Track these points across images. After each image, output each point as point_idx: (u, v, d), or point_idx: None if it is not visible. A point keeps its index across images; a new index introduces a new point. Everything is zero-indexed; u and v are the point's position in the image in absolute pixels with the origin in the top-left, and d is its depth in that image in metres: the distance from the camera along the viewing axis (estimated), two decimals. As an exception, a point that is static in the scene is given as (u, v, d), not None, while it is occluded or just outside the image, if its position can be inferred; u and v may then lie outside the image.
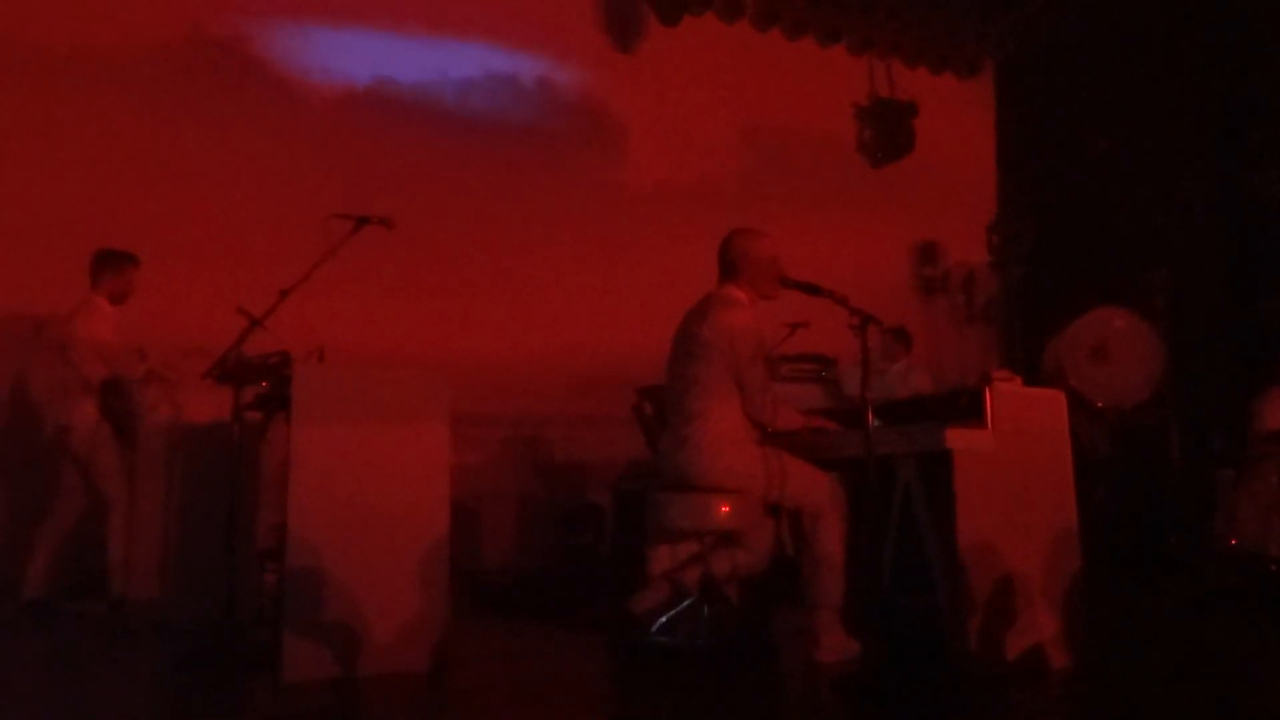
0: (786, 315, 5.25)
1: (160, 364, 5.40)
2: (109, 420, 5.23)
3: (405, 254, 6.37)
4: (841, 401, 5.16)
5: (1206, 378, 7.21)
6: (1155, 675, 3.76)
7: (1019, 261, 8.72)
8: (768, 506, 3.99)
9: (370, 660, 3.66)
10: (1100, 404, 6.61)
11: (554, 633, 4.82)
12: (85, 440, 5.20)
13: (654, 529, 4.14)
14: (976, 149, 9.47)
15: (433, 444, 3.89)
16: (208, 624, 4.20)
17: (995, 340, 9.24)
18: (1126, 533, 6.30)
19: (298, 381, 3.77)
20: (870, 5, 8.48)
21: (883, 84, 8.98)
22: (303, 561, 3.63)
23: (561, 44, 7.91)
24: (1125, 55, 8.28)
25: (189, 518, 5.02)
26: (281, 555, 3.77)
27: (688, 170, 8.09)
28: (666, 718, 3.37)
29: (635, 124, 8.13)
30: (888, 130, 8.74)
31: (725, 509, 3.84)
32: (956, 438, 3.60)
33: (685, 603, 4.02)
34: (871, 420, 3.65)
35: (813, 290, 3.88)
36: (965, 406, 3.77)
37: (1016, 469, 3.68)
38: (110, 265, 5.38)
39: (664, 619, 4.01)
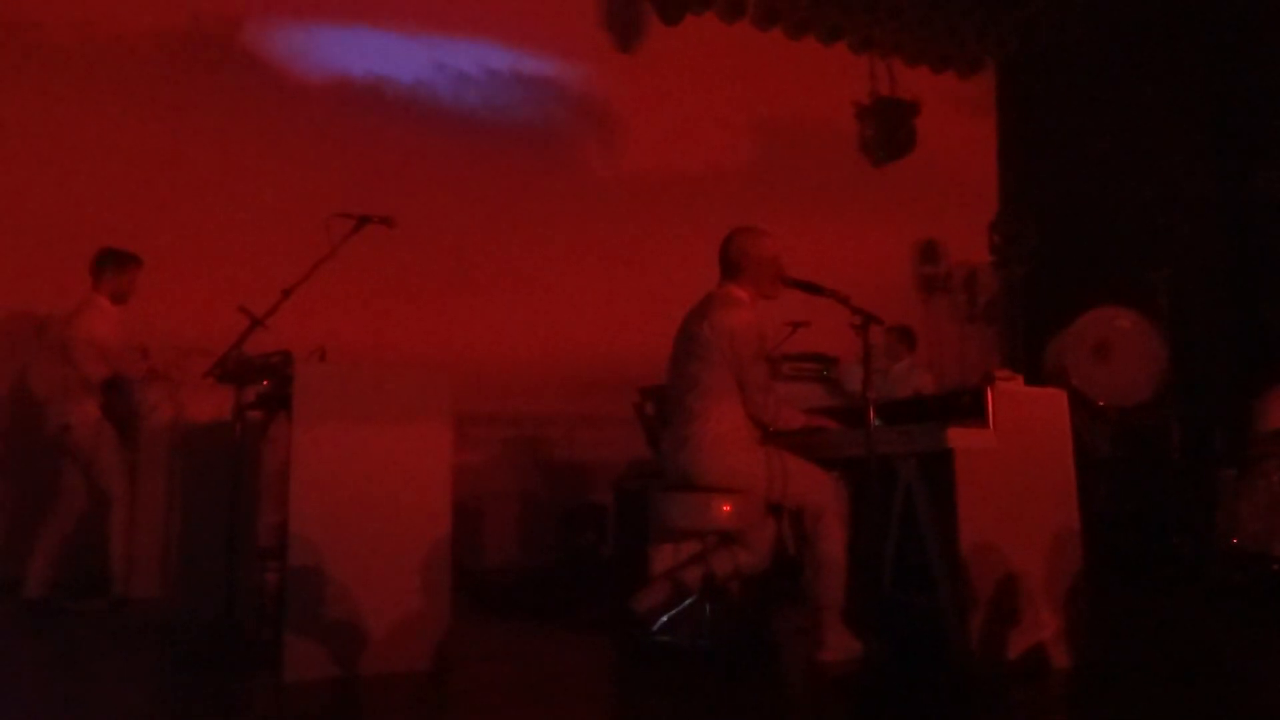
0: (788, 314, 5.25)
1: (162, 363, 5.41)
2: (110, 419, 5.23)
3: (407, 253, 6.40)
4: (843, 400, 5.16)
5: (1208, 377, 7.20)
6: (1157, 675, 3.76)
7: (1020, 261, 8.71)
8: (769, 506, 3.99)
9: (371, 660, 3.66)
10: (1102, 403, 6.61)
11: (556, 632, 4.81)
12: (87, 439, 5.20)
13: (656, 528, 4.14)
14: (978, 148, 9.47)
15: (435, 443, 3.89)
16: (209, 623, 4.20)
17: (997, 339, 9.24)
18: (1128, 532, 6.29)
19: (299, 381, 3.77)
20: (871, 4, 8.48)
21: (884, 83, 8.98)
22: (304, 561, 3.63)
23: (563, 43, 7.91)
24: (1127, 54, 8.28)
25: (190, 517, 5.03)
26: (283, 554, 3.77)
27: (689, 169, 8.09)
28: (668, 717, 3.37)
29: (637, 123, 8.13)
30: (889, 129, 8.74)
31: (727, 508, 3.84)
32: (958, 437, 3.60)
33: (687, 602, 4.02)
34: (873, 420, 3.65)
35: (814, 289, 3.88)
36: (967, 406, 3.77)
37: (1018, 468, 3.67)
38: (112, 264, 5.38)
39: (666, 618, 4.01)
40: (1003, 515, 3.63)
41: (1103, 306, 6.81)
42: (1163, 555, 6.06)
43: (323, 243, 4.14)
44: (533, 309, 7.31)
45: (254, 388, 4.23)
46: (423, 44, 7.49)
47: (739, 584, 4.20)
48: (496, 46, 7.72)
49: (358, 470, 3.73)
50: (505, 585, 6.17)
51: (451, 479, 3.92)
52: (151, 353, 5.45)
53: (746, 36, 8.32)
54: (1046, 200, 8.91)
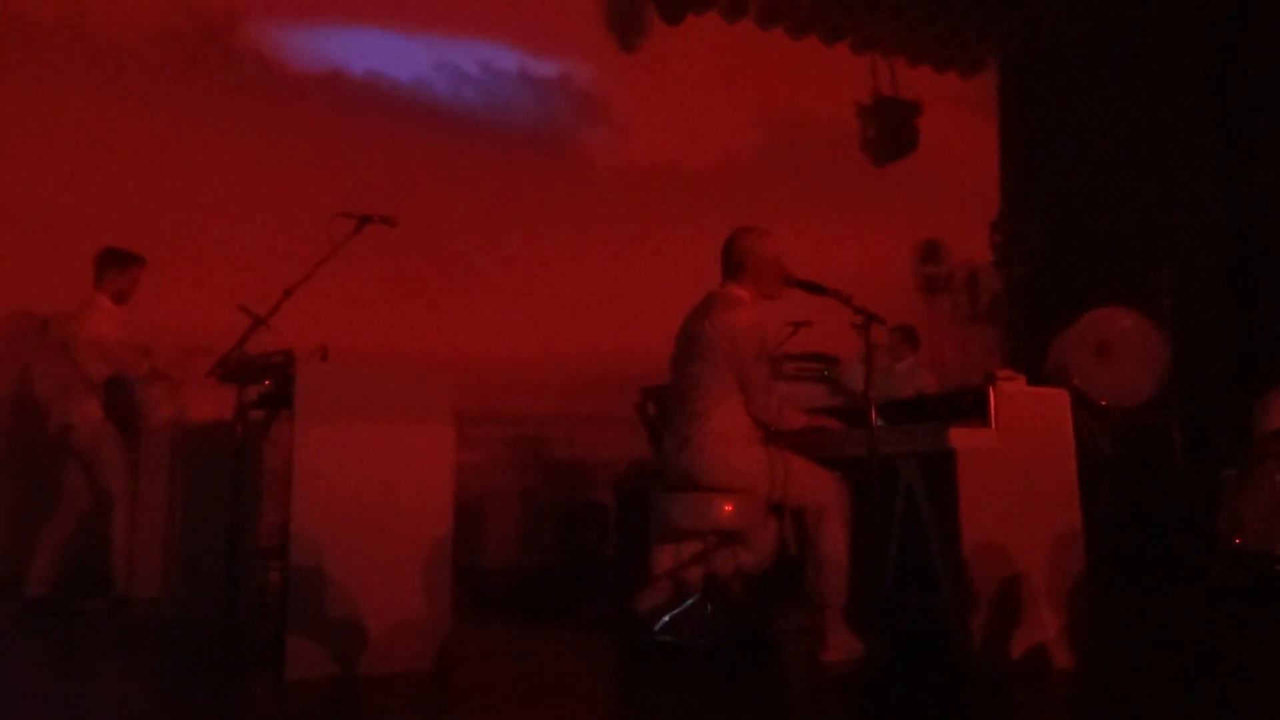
0: (790, 314, 5.25)
1: (164, 363, 5.41)
2: (113, 419, 5.24)
3: (408, 253, 6.40)
4: (845, 400, 5.16)
5: (1210, 377, 7.20)
6: (1159, 675, 3.76)
7: (1022, 260, 8.70)
8: (771, 506, 3.99)
9: (373, 659, 3.66)
10: (1104, 403, 6.60)
11: (557, 632, 4.81)
12: (89, 439, 5.20)
13: (657, 528, 4.13)
14: (980, 148, 9.46)
15: (436, 443, 3.89)
16: (210, 623, 4.21)
17: (999, 339, 9.23)
18: (1130, 532, 6.29)
19: (301, 380, 3.77)
20: (873, 4, 8.48)
21: (886, 83, 8.97)
22: (306, 560, 3.63)
23: (565, 43, 7.91)
24: (1129, 54, 8.27)
25: (192, 516, 5.03)
26: (284, 554, 3.77)
27: (691, 169, 8.09)
28: (670, 717, 3.37)
29: (638, 123, 8.13)
30: (891, 129, 8.74)
31: (729, 508, 3.84)
32: (960, 437, 3.59)
33: (689, 602, 4.01)
34: (875, 419, 3.65)
35: (816, 289, 3.88)
36: (969, 406, 3.77)
37: (1020, 468, 3.67)
38: (114, 264, 5.38)
39: (667, 618, 4.01)
40: (1005, 515, 3.62)
41: (1104, 306, 6.81)
42: (1165, 555, 6.05)
43: (324, 242, 4.14)
44: (534, 308, 7.31)
45: (256, 387, 4.23)
46: (424, 43, 7.49)
47: (740, 584, 4.20)
48: (498, 46, 7.72)
49: (359, 470, 3.73)
50: (506, 585, 6.17)
51: (453, 478, 3.91)
52: (153, 352, 5.46)
53: (748, 36, 8.32)
54: (1048, 200, 8.90)
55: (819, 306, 4.06)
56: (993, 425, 3.66)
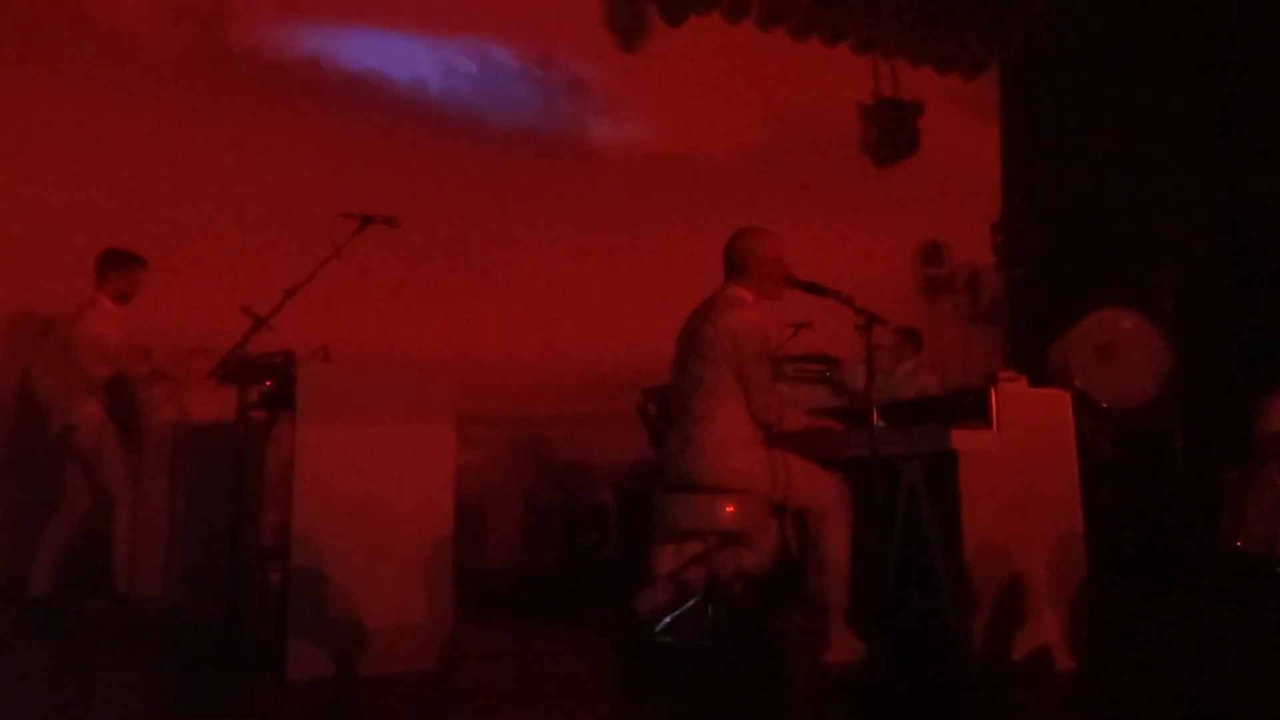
0: (791, 315, 5.25)
1: (165, 363, 5.42)
2: (114, 419, 5.24)
3: (410, 253, 6.40)
4: (847, 401, 5.16)
5: (1212, 378, 7.19)
6: (1160, 677, 3.76)
7: (1024, 261, 8.69)
8: (773, 507, 3.99)
9: (374, 659, 3.66)
10: (1105, 405, 6.59)
11: (558, 632, 4.81)
12: (90, 439, 5.20)
13: (658, 529, 4.13)
14: (981, 149, 9.46)
15: (437, 443, 3.89)
16: (212, 623, 4.20)
17: (1000, 340, 9.22)
18: (1131, 534, 6.28)
19: (302, 381, 3.78)
20: (875, 5, 8.48)
21: (887, 84, 8.97)
22: (307, 560, 3.63)
23: (566, 43, 7.91)
24: (1130, 55, 8.26)
25: (193, 516, 5.03)
26: (286, 554, 3.77)
27: (692, 170, 8.09)
28: (670, 718, 3.37)
29: (640, 124, 8.13)
30: (892, 130, 8.73)
31: (730, 509, 3.84)
32: (961, 438, 3.59)
33: (690, 603, 4.01)
34: (876, 420, 3.64)
35: (818, 290, 3.88)
36: (970, 407, 3.76)
37: (1021, 470, 3.67)
38: (116, 265, 5.39)
39: (668, 619, 4.01)
40: (1006, 516, 3.62)
41: (1106, 308, 6.80)
42: (1166, 557, 6.05)
43: (326, 242, 4.14)
44: (536, 309, 7.31)
45: (257, 388, 4.24)
46: (426, 44, 7.50)
47: (742, 585, 4.20)
48: (500, 47, 7.72)
49: (360, 470, 3.74)
50: (507, 585, 6.17)
51: (454, 479, 3.92)
52: (155, 353, 5.47)
53: (750, 37, 8.31)
54: (1050, 201, 8.89)
55: (820, 308, 4.06)
56: (994, 427, 3.65)
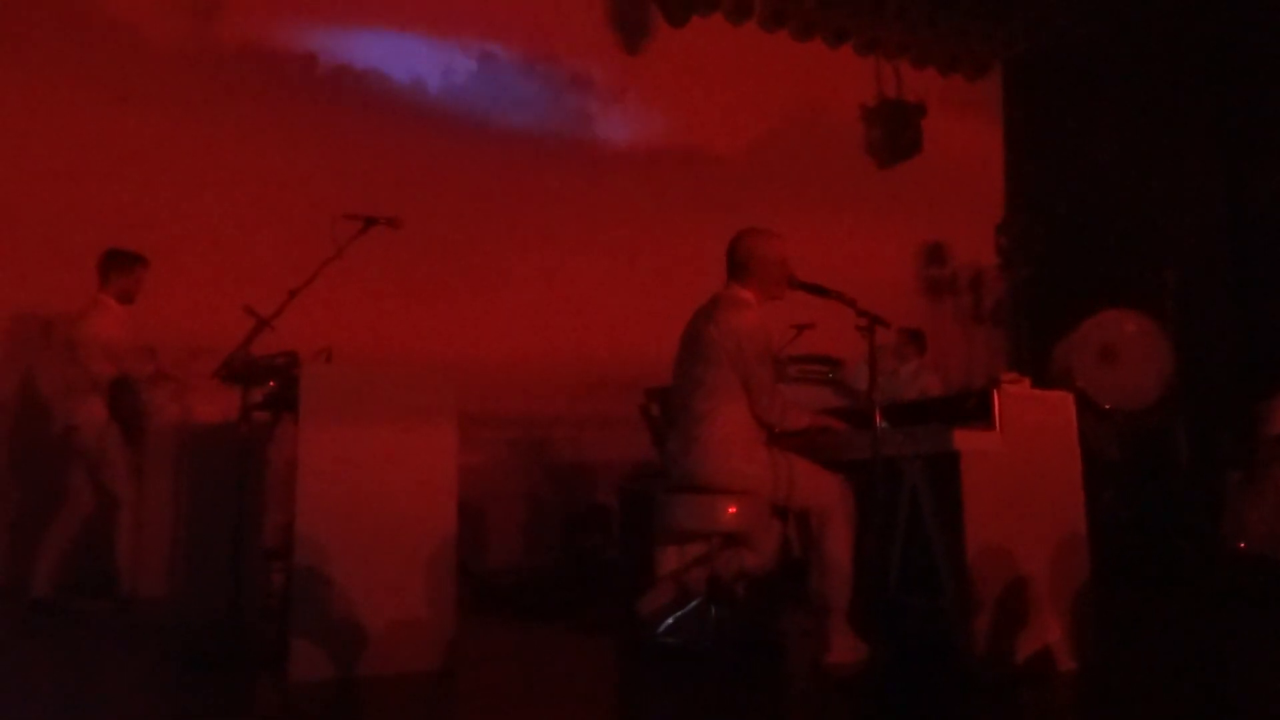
0: (794, 316, 5.24)
1: (168, 364, 5.42)
2: (117, 420, 5.25)
3: (412, 254, 6.41)
4: (850, 402, 5.16)
5: (1215, 380, 7.19)
6: (1162, 678, 3.75)
7: (1027, 263, 8.70)
8: (775, 508, 3.98)
9: (376, 660, 3.66)
10: (1108, 406, 6.59)
11: (560, 633, 4.82)
12: (93, 440, 5.21)
13: (661, 530, 4.13)
14: (984, 150, 9.45)
15: (440, 444, 3.89)
16: (214, 623, 4.21)
17: (1003, 342, 9.22)
18: (1134, 535, 6.27)
19: (305, 381, 3.78)
20: (878, 6, 8.47)
21: (890, 85, 8.96)
22: (310, 561, 3.64)
23: (568, 45, 7.91)
24: (1133, 56, 8.26)
25: (196, 517, 5.04)
26: (288, 554, 3.78)
27: (695, 170, 8.09)
28: (672, 718, 3.37)
29: (642, 125, 8.13)
30: (895, 131, 8.72)
31: (732, 510, 3.84)
32: (964, 439, 3.59)
33: (692, 604, 4.01)
34: (879, 421, 3.64)
35: (821, 292, 3.88)
36: (973, 408, 3.76)
37: (1024, 471, 3.67)
38: (119, 265, 5.40)
39: (671, 620, 4.01)
40: (1009, 518, 3.62)
41: (1109, 309, 6.80)
42: (1169, 558, 6.04)
43: (329, 243, 4.15)
44: (538, 310, 7.31)
45: (260, 388, 4.25)
46: (429, 44, 7.50)
47: (744, 586, 4.20)
48: (502, 48, 7.73)
49: (363, 471, 3.74)
50: (510, 586, 6.17)
51: (456, 479, 3.92)
52: (158, 353, 5.47)
53: (753, 38, 8.32)
54: (1053, 202, 8.88)
55: (823, 309, 4.06)
56: (997, 428, 3.65)
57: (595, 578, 6.26)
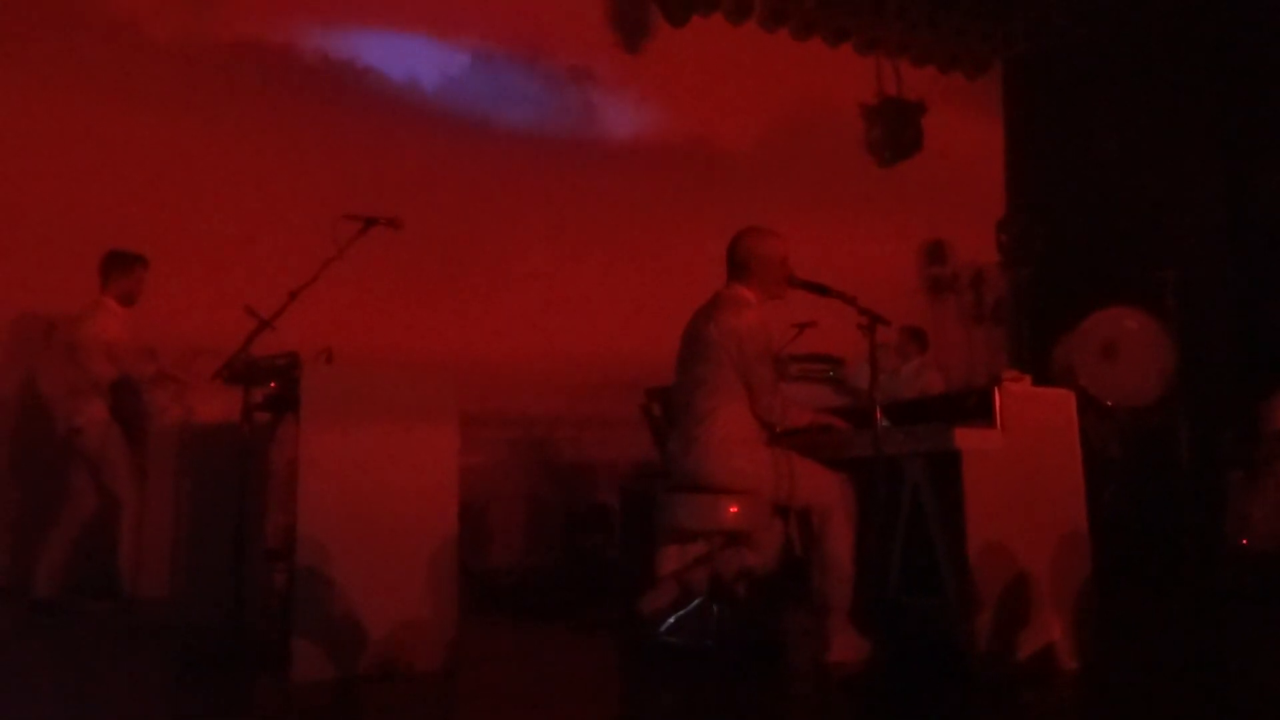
0: (795, 315, 5.24)
1: (170, 365, 5.42)
2: (119, 421, 5.25)
3: (413, 255, 6.40)
4: (852, 400, 5.16)
5: (1217, 377, 7.17)
6: (1165, 676, 3.75)
7: (1028, 261, 8.68)
8: (776, 507, 3.98)
9: (378, 660, 3.66)
10: (1109, 404, 6.58)
11: (562, 633, 4.82)
12: (95, 441, 5.22)
13: (662, 530, 4.13)
14: (985, 148, 9.44)
15: (441, 444, 3.89)
16: (216, 624, 4.21)
17: (1004, 340, 9.21)
18: (1136, 533, 6.26)
19: (306, 382, 3.79)
20: (878, 5, 8.46)
21: (891, 83, 8.95)
22: (311, 561, 3.64)
23: (569, 44, 7.91)
24: (1134, 54, 8.25)
25: (198, 518, 5.04)
26: (290, 555, 3.78)
27: (695, 170, 8.08)
28: (674, 718, 3.37)
29: (642, 125, 8.13)
30: (896, 130, 8.72)
31: (734, 510, 3.84)
32: (965, 438, 3.59)
33: (694, 603, 4.01)
34: (880, 420, 3.64)
35: (821, 290, 3.88)
36: (974, 406, 3.76)
37: (1025, 469, 3.66)
38: (120, 266, 5.40)
39: (673, 619, 4.01)
40: (1010, 516, 3.62)
41: (1110, 306, 6.79)
42: (1171, 556, 6.04)
43: (330, 244, 4.15)
44: (539, 310, 7.31)
45: (261, 389, 4.25)
46: (429, 44, 7.50)
47: (745, 585, 4.20)
48: (502, 47, 7.73)
49: (365, 471, 3.74)
50: (511, 586, 6.17)
51: (458, 480, 3.92)
52: (159, 354, 5.47)
53: (753, 37, 8.30)
54: (1054, 200, 8.87)
55: (824, 307, 4.06)
56: (998, 426, 3.65)
57: (596, 577, 6.26)
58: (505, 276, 7.32)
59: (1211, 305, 7.39)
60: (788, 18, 8.35)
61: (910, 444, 3.79)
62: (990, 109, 9.52)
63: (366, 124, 7.14)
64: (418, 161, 7.18)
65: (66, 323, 5.51)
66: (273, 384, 4.18)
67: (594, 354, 7.26)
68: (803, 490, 3.88)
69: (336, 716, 3.37)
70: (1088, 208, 8.59)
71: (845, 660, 3.76)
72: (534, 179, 7.57)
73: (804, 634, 4.06)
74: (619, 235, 7.69)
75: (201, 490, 5.05)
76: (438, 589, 3.80)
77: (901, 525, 3.96)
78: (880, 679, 3.61)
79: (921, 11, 8.60)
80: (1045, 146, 9.18)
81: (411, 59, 7.43)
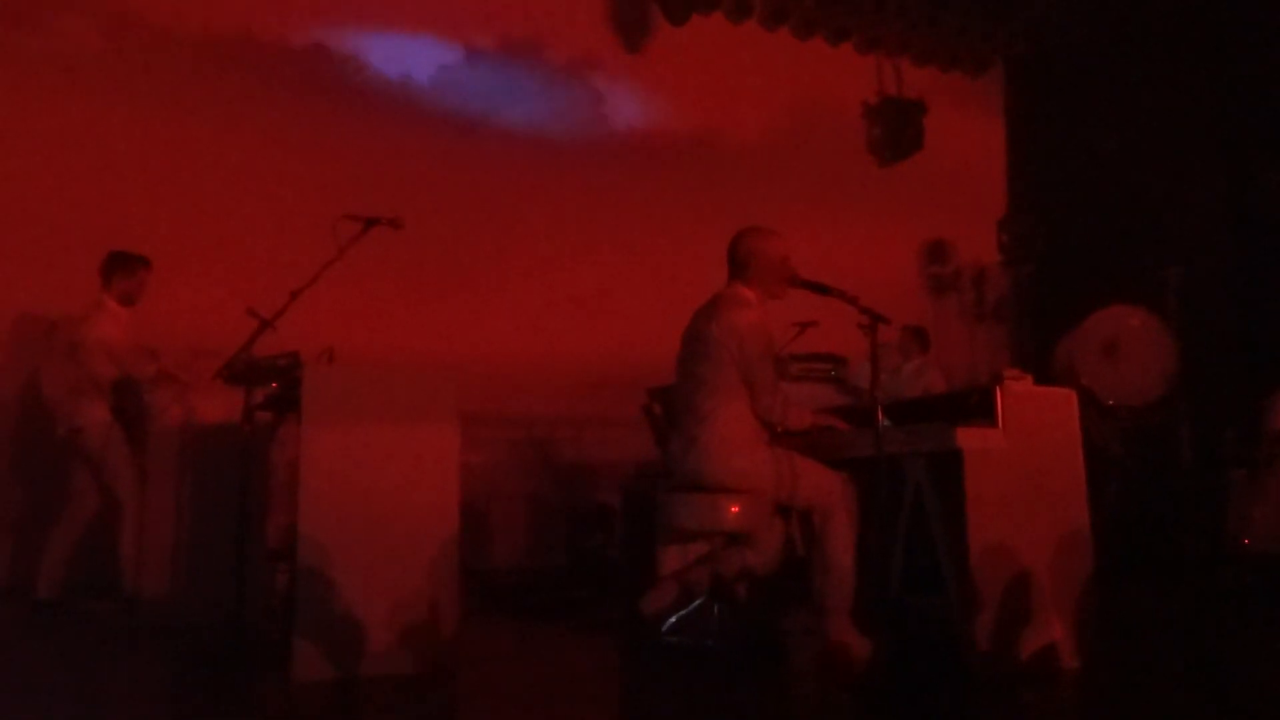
0: (796, 314, 5.24)
1: (171, 365, 5.43)
2: (121, 421, 5.25)
3: (414, 255, 6.40)
4: (853, 400, 5.16)
5: (1218, 376, 7.17)
6: (1166, 676, 3.75)
7: (1029, 260, 8.69)
8: (778, 507, 3.98)
9: (380, 660, 3.66)
10: (1111, 402, 6.58)
11: (564, 633, 4.82)
12: (97, 441, 5.22)
13: (664, 529, 4.13)
14: (986, 147, 9.44)
15: (442, 444, 3.89)
16: (218, 624, 4.22)
17: (1006, 339, 9.21)
18: (1137, 533, 6.26)
19: (307, 382, 3.78)
20: (879, 4, 8.46)
21: (891, 83, 8.96)
22: (313, 561, 3.64)
23: (569, 44, 7.91)
24: (1135, 53, 8.25)
25: (200, 518, 5.04)
26: (292, 555, 3.78)
27: (696, 170, 8.08)
28: (676, 717, 3.37)
29: (643, 124, 8.13)
30: (897, 129, 8.72)
31: (735, 509, 3.84)
32: (967, 437, 3.59)
33: (695, 603, 4.01)
34: (881, 420, 3.64)
35: (823, 290, 3.87)
36: (976, 406, 3.76)
37: (1027, 468, 3.66)
38: (121, 267, 5.41)
39: (674, 619, 4.01)
40: (1012, 515, 3.61)
41: (1112, 305, 6.79)
42: (1172, 555, 6.03)
43: (330, 244, 4.15)
44: (540, 310, 7.31)
45: (263, 389, 4.25)
46: (428, 44, 7.50)
47: (747, 585, 4.20)
48: (503, 48, 7.73)
49: (366, 471, 3.74)
50: (513, 586, 6.17)
51: (459, 480, 3.92)
52: (161, 355, 5.47)
53: (753, 36, 8.31)
54: (1055, 199, 8.88)
55: (826, 306, 4.05)
56: (1000, 425, 3.65)
57: (597, 577, 6.26)
58: (506, 276, 7.33)
59: (1213, 304, 7.39)
60: (788, 17, 8.35)
61: (912, 443, 3.78)
62: (991, 108, 9.52)
63: (368, 124, 7.14)
64: (419, 161, 7.18)
65: (68, 323, 5.51)
66: (274, 384, 4.18)
67: (595, 353, 7.26)
68: (804, 490, 3.88)
69: (338, 716, 3.37)
70: (1089, 206, 8.59)
71: (846, 660, 3.75)
72: (535, 179, 7.57)
73: (805, 634, 4.05)
74: (620, 235, 7.69)
75: (203, 490, 5.05)
76: (439, 589, 3.80)
77: (903, 525, 3.95)
78: (881, 678, 3.60)
79: (922, 11, 8.60)
80: (1046, 145, 9.18)
81: (412, 58, 7.43)
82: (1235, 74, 7.80)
